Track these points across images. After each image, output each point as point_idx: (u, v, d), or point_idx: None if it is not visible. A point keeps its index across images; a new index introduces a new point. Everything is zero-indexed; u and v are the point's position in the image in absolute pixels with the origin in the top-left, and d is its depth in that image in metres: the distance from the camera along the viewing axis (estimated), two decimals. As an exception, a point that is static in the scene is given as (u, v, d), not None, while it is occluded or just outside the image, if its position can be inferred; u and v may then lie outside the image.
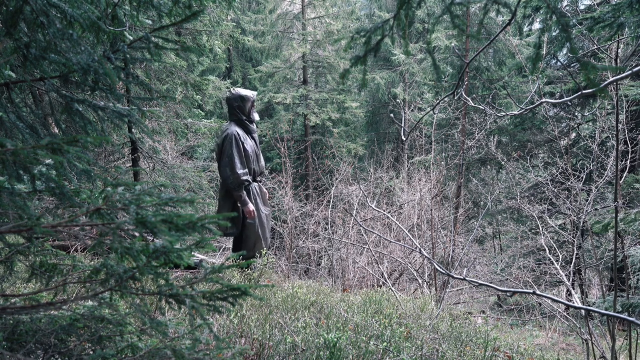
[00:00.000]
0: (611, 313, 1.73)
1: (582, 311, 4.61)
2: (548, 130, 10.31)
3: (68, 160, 1.19)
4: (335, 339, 2.55)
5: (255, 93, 4.62)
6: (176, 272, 4.45)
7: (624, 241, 5.64)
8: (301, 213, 8.96)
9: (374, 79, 16.77)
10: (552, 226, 7.89)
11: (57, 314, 1.66)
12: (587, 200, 7.01)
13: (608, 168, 7.21)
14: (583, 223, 7.01)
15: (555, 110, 10.44)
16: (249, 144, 4.56)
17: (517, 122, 11.09)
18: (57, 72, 1.56)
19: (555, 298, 1.85)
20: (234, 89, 4.61)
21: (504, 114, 2.76)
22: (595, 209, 7.58)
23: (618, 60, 3.13)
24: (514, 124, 11.23)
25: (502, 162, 10.24)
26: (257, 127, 4.66)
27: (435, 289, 5.93)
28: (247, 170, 4.47)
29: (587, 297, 8.11)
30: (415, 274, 6.85)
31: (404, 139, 3.28)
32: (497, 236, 13.38)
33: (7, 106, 1.52)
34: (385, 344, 2.77)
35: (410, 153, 14.68)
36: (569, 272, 5.84)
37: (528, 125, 11.17)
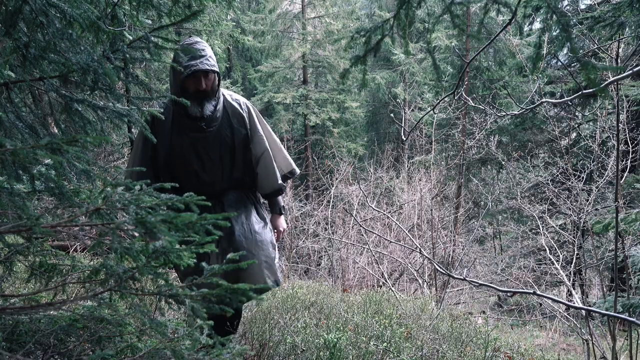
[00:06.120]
0: (612, 313, 1.72)
1: (583, 311, 4.60)
2: (548, 130, 10.31)
3: (67, 160, 1.19)
4: (335, 340, 2.54)
5: (200, 65, 2.20)
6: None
7: (625, 241, 5.63)
8: (301, 213, 8.96)
9: (374, 78, 16.76)
10: (553, 226, 7.89)
11: (56, 315, 1.66)
12: (587, 201, 7.01)
13: (608, 168, 7.21)
14: (583, 223, 7.01)
15: (555, 110, 10.44)
16: (177, 140, 2.37)
17: (518, 122, 11.09)
18: (56, 72, 1.56)
19: (556, 298, 1.84)
20: (187, 40, 2.34)
21: (504, 113, 2.76)
22: (596, 209, 7.58)
23: (619, 60, 3.13)
24: (515, 124, 11.22)
25: (503, 162, 10.24)
26: (207, 119, 2.33)
27: (436, 289, 5.93)
28: (137, 172, 2.34)
29: (587, 297, 8.10)
30: (415, 274, 6.84)
31: (404, 139, 3.28)
32: (498, 236, 13.37)
33: (6, 106, 1.52)
34: (385, 344, 2.77)
35: (411, 153, 14.66)
36: (570, 272, 5.84)
37: (528, 125, 11.17)
